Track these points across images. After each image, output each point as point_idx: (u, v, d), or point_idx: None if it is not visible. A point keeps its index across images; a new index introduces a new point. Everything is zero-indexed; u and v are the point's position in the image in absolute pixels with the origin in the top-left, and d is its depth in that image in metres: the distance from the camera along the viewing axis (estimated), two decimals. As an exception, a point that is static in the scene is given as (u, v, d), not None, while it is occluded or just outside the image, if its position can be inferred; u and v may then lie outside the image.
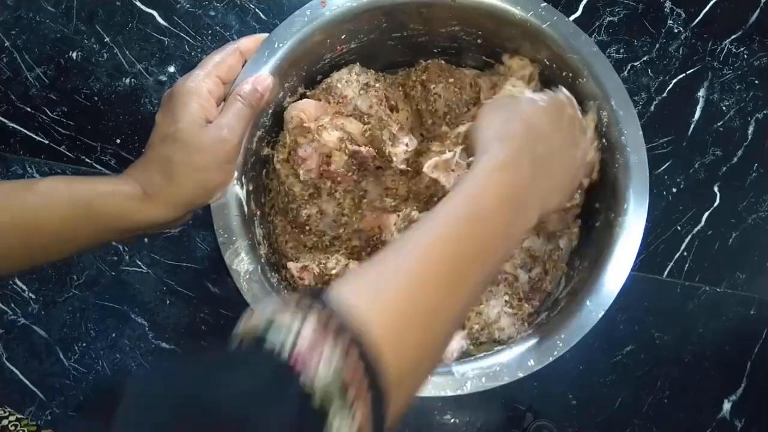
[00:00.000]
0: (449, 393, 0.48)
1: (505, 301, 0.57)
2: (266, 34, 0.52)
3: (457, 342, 0.54)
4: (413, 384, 0.33)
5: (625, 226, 0.51)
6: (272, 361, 0.27)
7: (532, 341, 0.50)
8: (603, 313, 0.49)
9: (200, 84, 0.46)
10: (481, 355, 0.52)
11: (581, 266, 0.56)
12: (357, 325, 0.29)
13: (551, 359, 0.48)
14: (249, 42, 0.51)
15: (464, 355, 0.54)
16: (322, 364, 0.26)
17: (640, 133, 0.52)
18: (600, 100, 0.53)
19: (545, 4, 0.53)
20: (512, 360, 0.49)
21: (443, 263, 0.34)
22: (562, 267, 0.59)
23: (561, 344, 0.49)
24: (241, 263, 0.49)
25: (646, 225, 0.74)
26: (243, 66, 0.51)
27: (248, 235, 0.51)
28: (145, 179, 0.44)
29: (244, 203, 0.52)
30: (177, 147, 0.44)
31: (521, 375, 0.48)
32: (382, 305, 0.32)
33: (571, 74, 0.54)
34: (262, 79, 0.49)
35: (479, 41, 0.58)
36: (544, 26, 0.53)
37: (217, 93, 0.48)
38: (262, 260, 0.52)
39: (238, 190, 0.51)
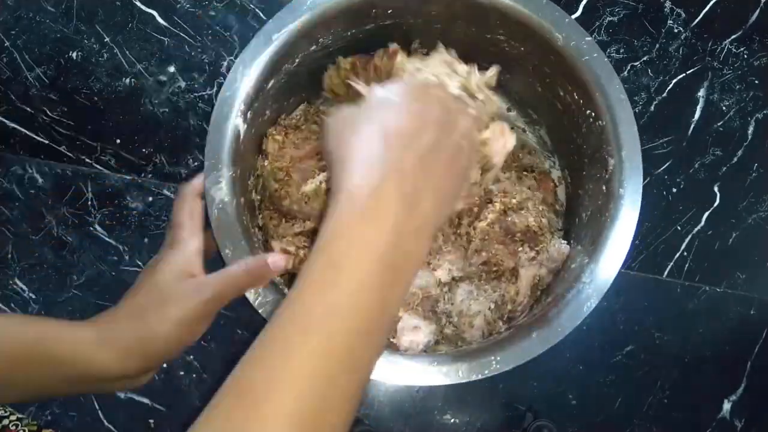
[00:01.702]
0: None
1: (490, 308, 0.57)
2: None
3: (425, 336, 0.54)
4: None
5: (596, 275, 0.51)
6: None
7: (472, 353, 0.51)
8: (546, 349, 0.49)
9: (187, 243, 0.43)
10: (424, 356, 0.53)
11: (545, 300, 0.56)
12: None
13: (480, 377, 0.48)
14: (198, 183, 0.49)
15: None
16: None
17: (640, 189, 0.52)
18: (612, 147, 0.53)
19: (590, 38, 0.53)
20: (444, 365, 0.49)
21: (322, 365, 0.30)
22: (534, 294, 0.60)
23: (496, 365, 0.49)
24: (219, 191, 0.48)
25: (646, 224, 0.74)
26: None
27: (235, 168, 0.50)
28: (107, 325, 0.40)
29: (241, 137, 0.51)
30: (151, 296, 0.41)
31: (447, 382, 0.48)
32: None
33: (593, 114, 0.55)
34: (276, 259, 0.44)
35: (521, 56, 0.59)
36: (583, 59, 0.53)
37: (203, 248, 0.45)
38: (242, 199, 0.51)
39: (239, 123, 0.50)
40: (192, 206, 0.46)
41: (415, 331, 0.54)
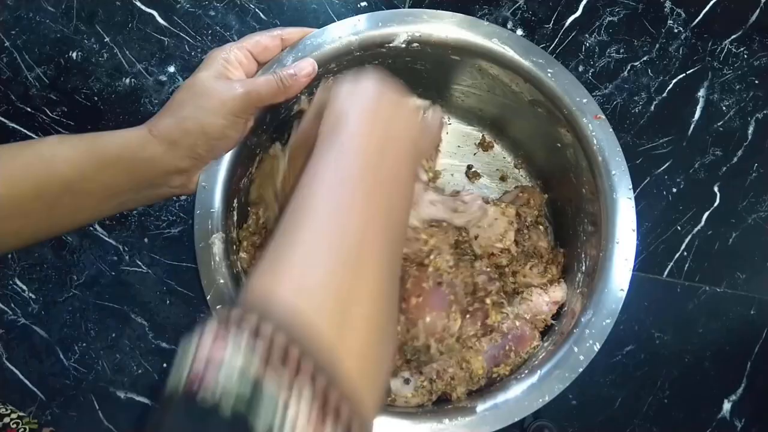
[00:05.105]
0: None
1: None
2: (314, 29, 0.53)
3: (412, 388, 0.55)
4: (373, 367, 0.29)
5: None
6: (173, 396, 0.23)
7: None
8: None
9: (230, 51, 0.48)
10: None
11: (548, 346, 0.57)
12: (265, 304, 0.26)
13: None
14: (294, 32, 0.52)
15: None
16: (223, 369, 0.23)
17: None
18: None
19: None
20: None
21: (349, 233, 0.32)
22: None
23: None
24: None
25: (646, 224, 0.74)
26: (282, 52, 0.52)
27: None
28: (154, 122, 0.46)
29: None
30: (188, 91, 0.46)
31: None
32: (307, 286, 0.29)
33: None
34: (304, 64, 0.49)
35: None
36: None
37: (247, 66, 0.49)
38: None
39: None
40: (263, 37, 0.50)
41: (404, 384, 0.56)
